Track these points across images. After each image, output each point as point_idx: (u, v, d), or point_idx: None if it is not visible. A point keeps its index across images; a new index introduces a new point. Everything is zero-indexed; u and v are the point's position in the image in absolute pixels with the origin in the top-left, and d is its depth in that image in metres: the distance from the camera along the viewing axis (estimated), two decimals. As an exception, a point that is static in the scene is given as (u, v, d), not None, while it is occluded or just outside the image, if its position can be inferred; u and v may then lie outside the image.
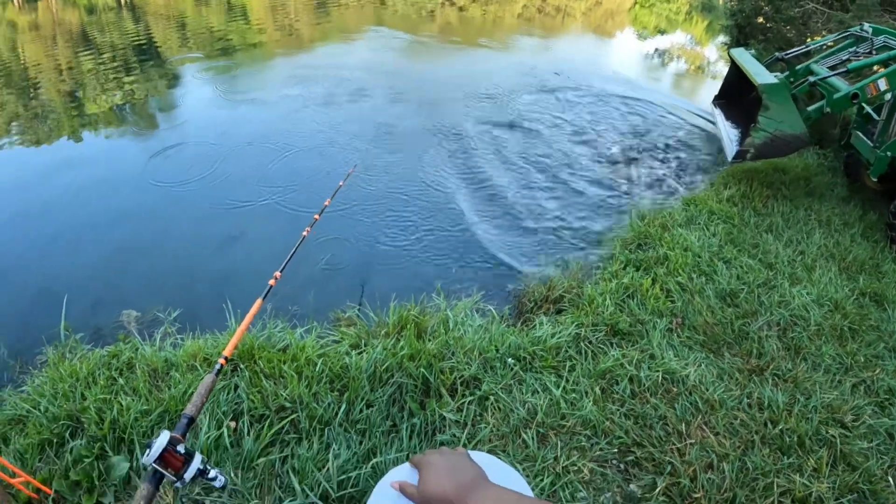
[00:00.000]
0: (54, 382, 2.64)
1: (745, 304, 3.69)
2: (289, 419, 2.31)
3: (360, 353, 2.66)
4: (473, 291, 3.74)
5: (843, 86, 5.07)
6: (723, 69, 11.48)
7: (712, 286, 3.82)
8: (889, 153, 4.97)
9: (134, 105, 7.90)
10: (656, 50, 14.94)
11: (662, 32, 19.20)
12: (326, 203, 2.41)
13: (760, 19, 7.34)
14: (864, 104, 5.39)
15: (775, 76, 5.29)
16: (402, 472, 0.95)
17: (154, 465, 1.12)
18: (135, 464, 2.20)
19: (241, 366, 2.53)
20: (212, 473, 1.20)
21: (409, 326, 2.92)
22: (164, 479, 1.12)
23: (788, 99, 4.97)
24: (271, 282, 1.78)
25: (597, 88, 9.30)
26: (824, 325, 3.68)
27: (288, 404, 2.35)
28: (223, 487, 1.22)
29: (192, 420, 1.30)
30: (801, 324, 3.65)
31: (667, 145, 7.33)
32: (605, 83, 9.64)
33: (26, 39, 12.43)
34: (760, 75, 5.17)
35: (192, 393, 2.44)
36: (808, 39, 6.85)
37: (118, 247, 4.53)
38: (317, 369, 2.49)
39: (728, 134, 5.77)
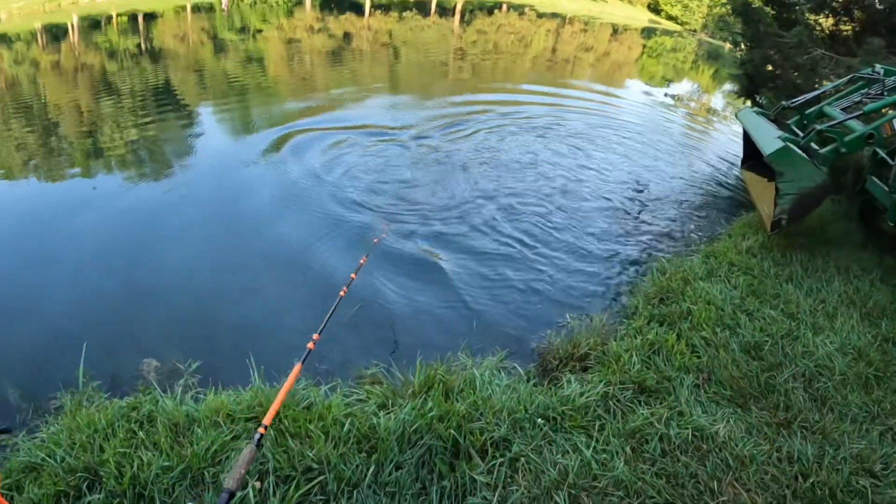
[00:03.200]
0: (71, 431, 2.58)
1: (770, 357, 3.66)
2: (316, 481, 2.26)
3: (387, 414, 2.63)
4: (497, 350, 3.70)
5: (858, 127, 5.09)
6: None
7: (736, 339, 3.80)
8: None
9: (150, 146, 7.97)
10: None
11: (670, 82, 19.61)
12: (362, 261, 2.41)
13: (769, 67, 7.46)
14: (878, 150, 5.42)
15: (780, 136, 5.25)
16: None
17: None
18: (156, 524, 2.15)
19: (269, 430, 2.49)
20: None
21: (436, 386, 2.89)
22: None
23: (798, 155, 4.94)
24: (310, 345, 1.75)
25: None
26: (849, 374, 3.64)
27: (315, 465, 2.31)
28: None
29: (232, 495, 1.24)
30: (826, 373, 3.61)
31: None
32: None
33: (48, 79, 12.70)
34: (766, 143, 5.16)
35: (216, 450, 2.41)
36: (817, 85, 6.94)
37: (139, 292, 4.47)
38: (344, 429, 2.45)
39: (762, 203, 5.73)
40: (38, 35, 22.33)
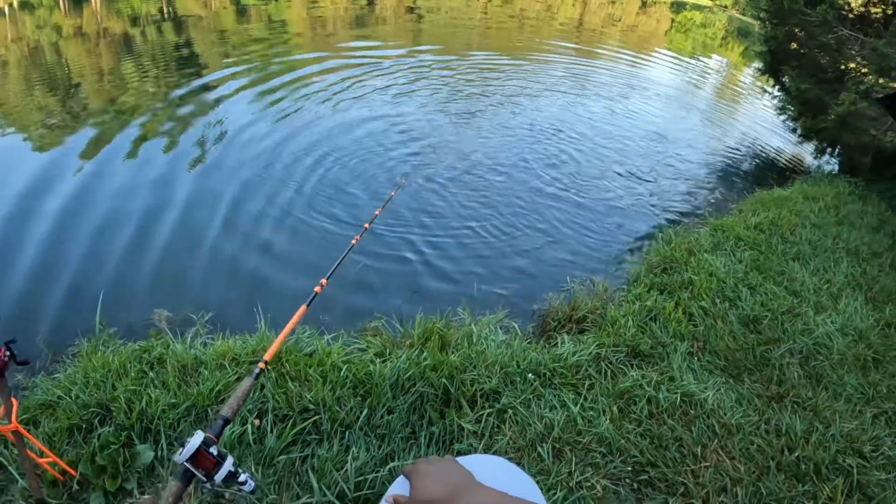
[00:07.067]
0: (86, 372, 2.72)
1: (768, 331, 3.68)
2: (311, 420, 2.38)
3: (384, 362, 2.73)
4: (499, 309, 3.78)
5: None
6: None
7: (735, 312, 3.82)
8: None
9: (171, 110, 8.07)
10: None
11: (697, 57, 19.32)
12: (377, 213, 2.49)
13: (794, 45, 7.28)
14: None
15: None
16: (397, 486, 0.98)
17: (186, 464, 1.12)
18: (160, 453, 2.28)
19: (269, 367, 2.61)
20: (242, 477, 1.20)
21: (433, 338, 2.98)
22: (194, 479, 1.12)
23: None
24: (317, 289, 1.83)
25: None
26: (847, 355, 3.64)
27: (311, 406, 2.42)
28: (252, 491, 1.26)
29: (227, 421, 1.33)
30: (824, 352, 3.62)
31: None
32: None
33: (70, 44, 12.84)
34: None
35: (219, 390, 2.54)
36: (842, 66, 6.77)
37: (153, 246, 4.62)
38: (341, 374, 2.56)
39: None
40: (60, 1, 22.52)
